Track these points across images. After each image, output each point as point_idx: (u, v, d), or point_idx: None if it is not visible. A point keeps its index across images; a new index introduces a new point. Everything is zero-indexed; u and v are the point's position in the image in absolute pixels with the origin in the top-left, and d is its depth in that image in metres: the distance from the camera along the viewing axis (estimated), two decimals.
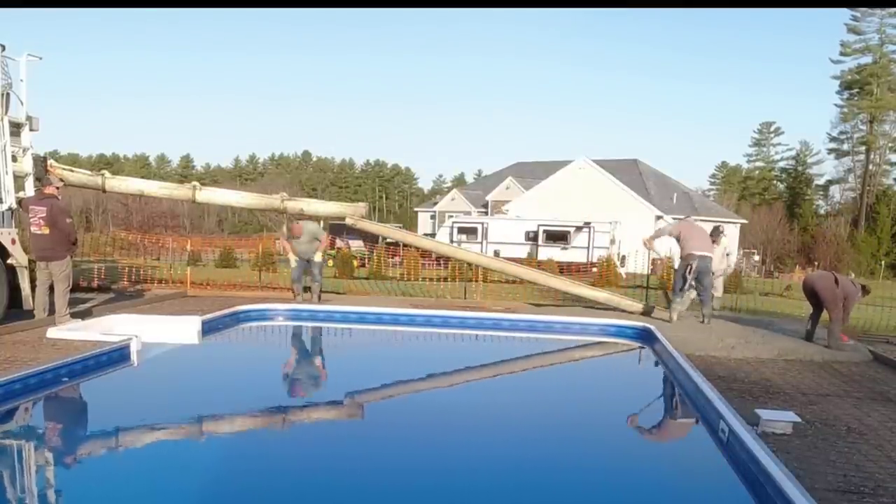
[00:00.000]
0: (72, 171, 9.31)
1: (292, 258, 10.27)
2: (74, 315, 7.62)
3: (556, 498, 3.23)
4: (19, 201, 7.80)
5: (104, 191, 9.60)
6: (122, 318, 7.17)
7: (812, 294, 7.90)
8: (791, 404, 5.15)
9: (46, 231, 7.28)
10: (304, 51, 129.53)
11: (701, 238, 8.81)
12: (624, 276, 20.51)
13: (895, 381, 6.34)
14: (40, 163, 8.53)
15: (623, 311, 9.71)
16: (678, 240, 8.82)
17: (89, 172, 9.52)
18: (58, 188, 7.59)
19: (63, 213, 7.46)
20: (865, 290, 8.08)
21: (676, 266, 9.00)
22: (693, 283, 8.74)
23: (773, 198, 66.51)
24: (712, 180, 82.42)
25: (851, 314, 8.25)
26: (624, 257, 24.01)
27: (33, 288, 7.63)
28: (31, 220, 7.35)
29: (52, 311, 7.55)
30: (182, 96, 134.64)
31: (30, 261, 7.69)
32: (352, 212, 10.86)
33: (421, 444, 4.10)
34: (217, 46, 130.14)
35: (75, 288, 8.86)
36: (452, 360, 7.36)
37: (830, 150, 62.36)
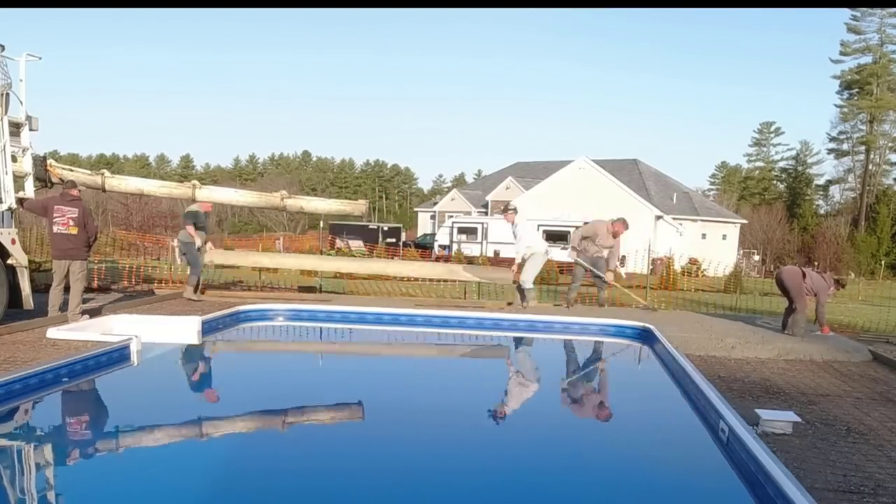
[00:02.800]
0: (71, 170, 9.32)
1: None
2: (84, 313, 7.71)
3: (556, 498, 3.23)
4: (20, 201, 7.83)
5: (104, 190, 9.61)
6: (121, 318, 7.17)
7: (782, 287, 8.56)
8: (791, 404, 5.15)
9: (75, 231, 7.60)
10: (303, 51, 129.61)
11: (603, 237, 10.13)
12: (624, 275, 20.49)
13: (895, 381, 6.34)
14: (40, 163, 8.56)
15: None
16: (591, 238, 10.08)
17: (89, 172, 9.54)
18: (80, 190, 8.08)
19: (90, 216, 7.98)
20: (840, 283, 8.74)
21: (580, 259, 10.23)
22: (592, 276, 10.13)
23: (773, 198, 66.53)
24: (712, 180, 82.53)
25: (830, 308, 9.08)
26: (623, 257, 24.00)
27: (34, 288, 7.66)
28: (57, 219, 7.54)
29: (64, 308, 7.65)
30: (182, 96, 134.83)
31: (30, 261, 7.72)
32: (351, 209, 10.91)
33: (420, 443, 4.10)
34: (217, 46, 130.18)
35: None
36: (452, 360, 7.37)
37: (830, 150, 62.45)
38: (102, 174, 9.50)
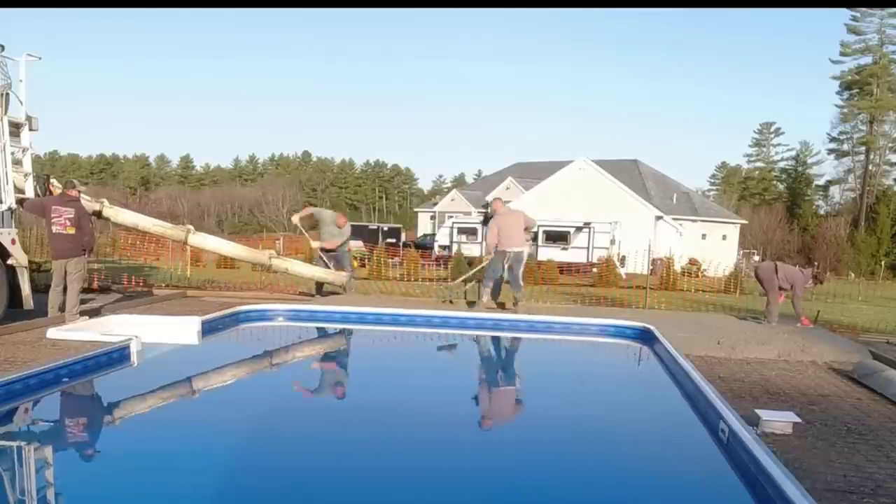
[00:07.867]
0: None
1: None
2: (82, 314, 7.71)
3: (555, 498, 3.23)
4: (20, 201, 7.84)
5: (100, 216, 9.79)
6: (121, 319, 7.17)
7: (759, 281, 9.53)
8: (791, 404, 5.15)
9: (72, 231, 7.63)
10: (303, 52, 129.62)
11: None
12: (623, 276, 20.51)
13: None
14: (42, 182, 8.64)
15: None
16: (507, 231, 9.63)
17: (88, 198, 9.66)
18: (80, 192, 8.15)
19: (87, 217, 8.05)
20: (817, 278, 9.51)
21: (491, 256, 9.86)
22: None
23: (773, 198, 66.54)
24: (712, 180, 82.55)
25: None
26: (623, 257, 24.03)
27: (34, 288, 7.67)
28: (55, 219, 7.54)
29: (63, 309, 7.65)
30: (182, 96, 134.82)
31: (30, 261, 7.73)
32: (333, 279, 11.73)
33: (420, 444, 4.10)
34: (217, 47, 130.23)
35: None
36: (452, 361, 7.37)
37: (830, 151, 62.43)
38: (102, 202, 9.72)
